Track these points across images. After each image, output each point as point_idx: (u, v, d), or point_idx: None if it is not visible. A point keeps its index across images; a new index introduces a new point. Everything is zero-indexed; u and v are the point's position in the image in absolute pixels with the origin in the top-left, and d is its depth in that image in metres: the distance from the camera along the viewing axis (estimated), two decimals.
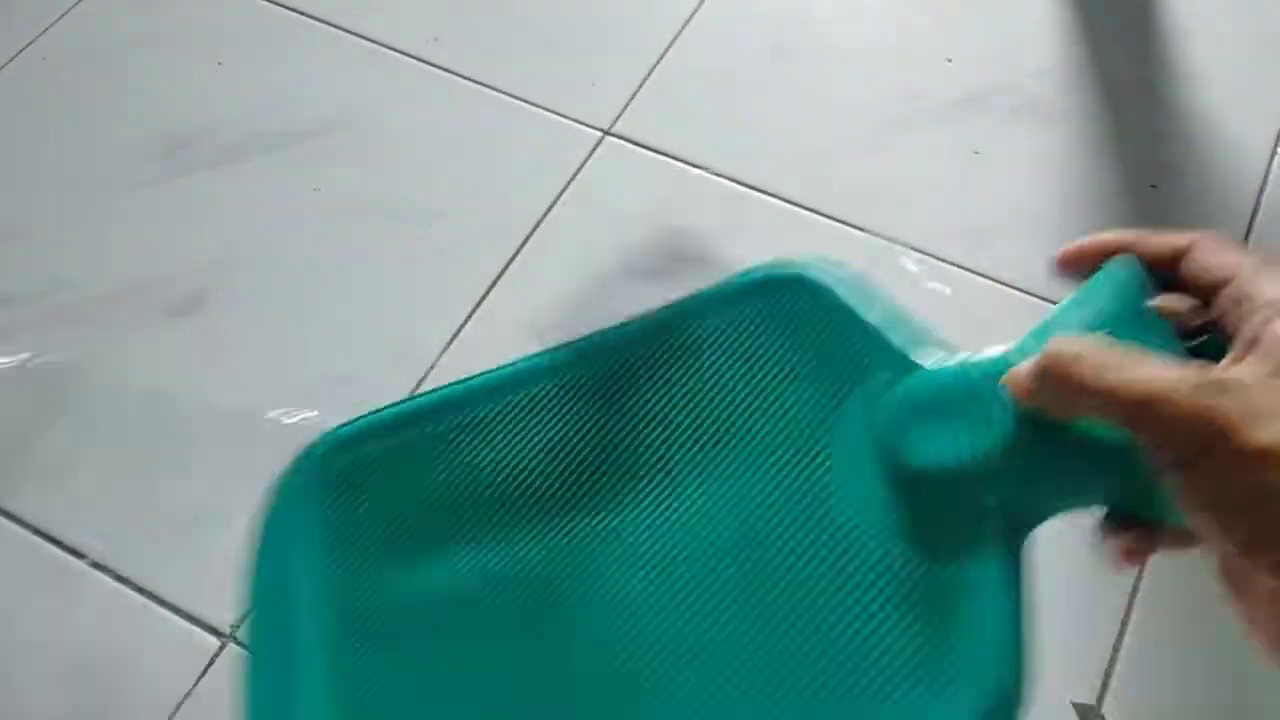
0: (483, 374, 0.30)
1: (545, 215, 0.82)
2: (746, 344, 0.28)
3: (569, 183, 0.83)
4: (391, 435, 0.30)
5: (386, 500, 0.30)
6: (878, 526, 0.26)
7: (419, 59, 0.91)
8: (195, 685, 0.63)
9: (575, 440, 0.28)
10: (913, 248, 0.80)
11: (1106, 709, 0.63)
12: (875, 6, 0.94)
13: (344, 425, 0.30)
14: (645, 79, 0.89)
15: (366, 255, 0.80)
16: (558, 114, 0.87)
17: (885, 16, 0.93)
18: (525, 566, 0.28)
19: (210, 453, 0.72)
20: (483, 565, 0.28)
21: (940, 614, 0.25)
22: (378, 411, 0.31)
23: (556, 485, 0.28)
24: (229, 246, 0.81)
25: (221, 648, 0.65)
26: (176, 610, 0.66)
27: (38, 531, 0.69)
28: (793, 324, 0.27)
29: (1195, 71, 0.89)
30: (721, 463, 0.27)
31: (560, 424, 0.28)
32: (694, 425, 0.27)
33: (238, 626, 0.65)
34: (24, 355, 0.75)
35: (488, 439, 0.29)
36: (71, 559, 0.68)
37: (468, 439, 0.29)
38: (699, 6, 0.94)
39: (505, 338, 0.76)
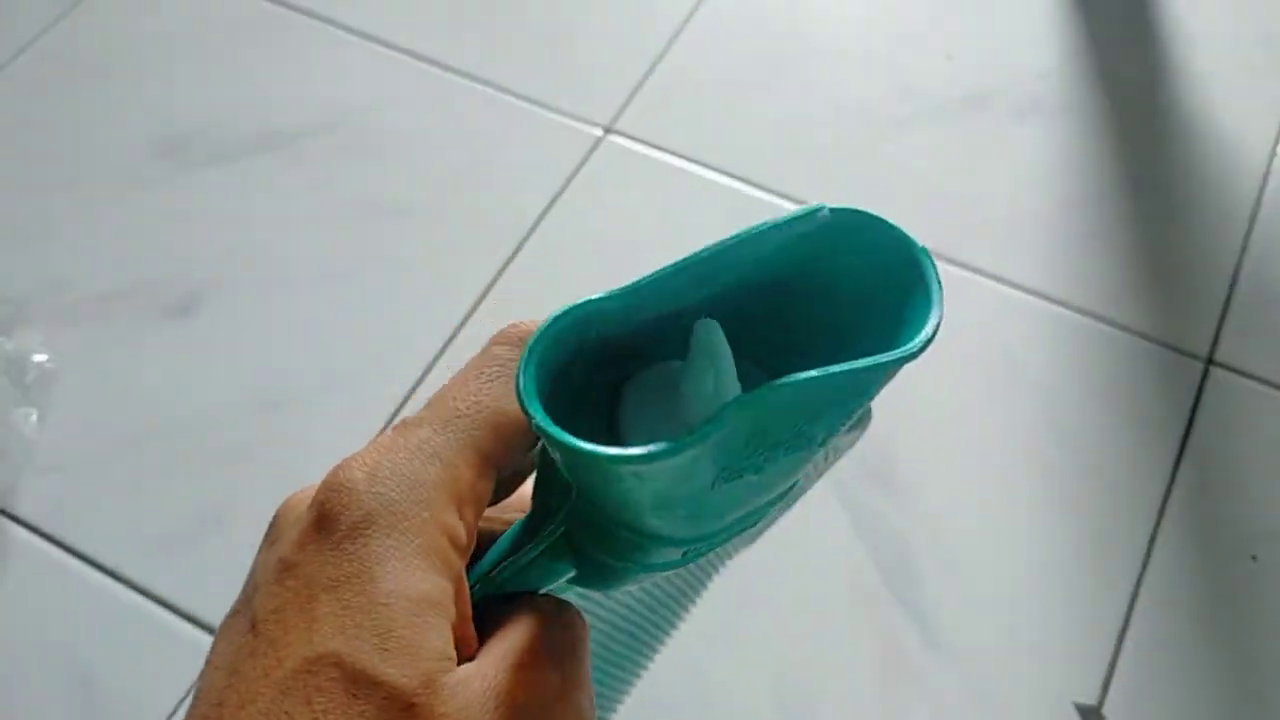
0: None
1: (545, 214, 0.82)
2: None
3: (569, 182, 0.83)
4: None
5: None
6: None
7: (419, 58, 0.91)
8: (194, 686, 0.63)
9: None
10: None
11: (1108, 710, 0.63)
12: (875, 6, 0.94)
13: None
14: (645, 78, 0.89)
15: (366, 255, 0.80)
16: (558, 113, 0.87)
17: (885, 16, 0.93)
18: None
19: (210, 452, 0.72)
20: None
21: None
22: None
23: None
24: (227, 246, 0.81)
25: None
26: (176, 610, 0.66)
27: (37, 531, 0.69)
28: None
29: (1195, 71, 0.89)
30: None
31: None
32: None
33: None
34: (23, 355, 0.75)
35: None
36: (70, 559, 0.68)
37: None
38: (699, 5, 0.94)
39: None
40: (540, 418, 0.19)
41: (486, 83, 0.89)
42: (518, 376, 0.19)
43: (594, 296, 0.20)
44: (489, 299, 0.78)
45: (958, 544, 0.68)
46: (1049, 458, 0.71)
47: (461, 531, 0.21)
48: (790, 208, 0.82)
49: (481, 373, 0.22)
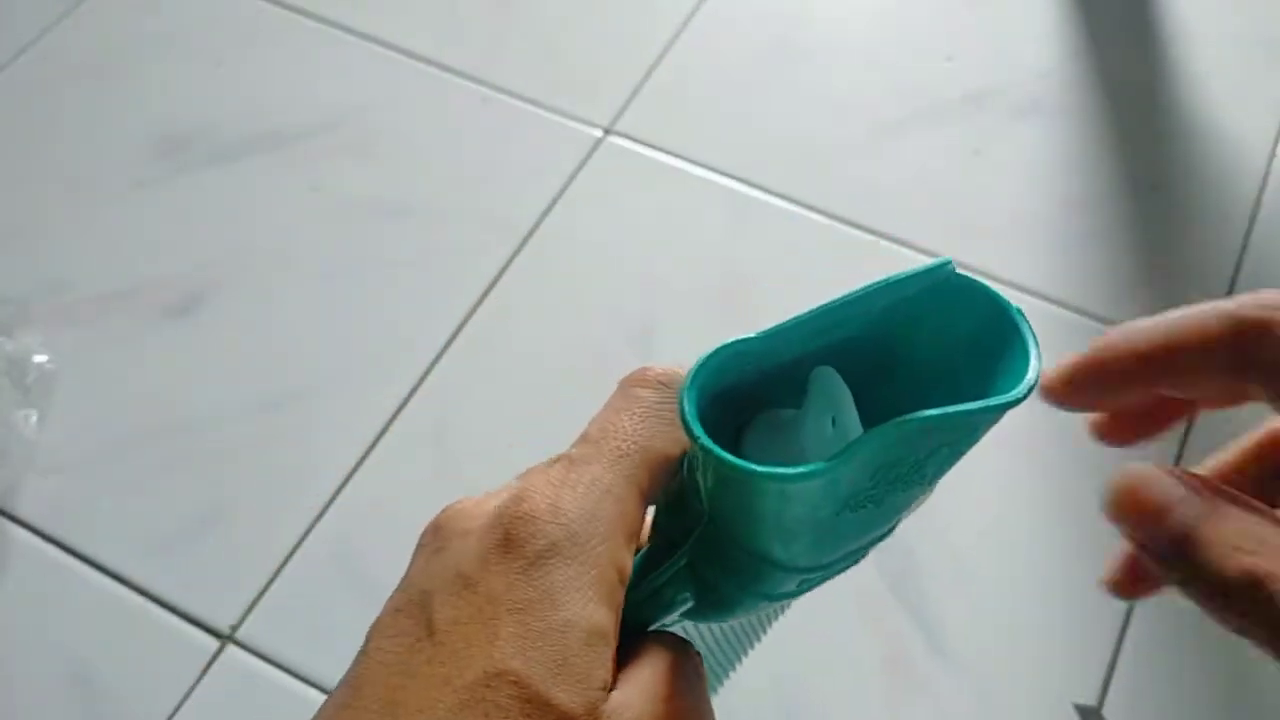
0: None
1: (545, 214, 0.82)
2: None
3: (569, 183, 0.83)
4: None
5: None
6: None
7: (419, 58, 0.91)
8: (194, 686, 0.63)
9: None
10: (913, 247, 0.80)
11: (1108, 710, 0.63)
12: (875, 5, 0.94)
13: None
14: (645, 78, 0.89)
15: (366, 255, 0.80)
16: (558, 113, 0.87)
17: (885, 16, 0.93)
18: None
19: (210, 452, 0.72)
20: None
21: None
22: None
23: None
24: (228, 246, 0.81)
25: (221, 648, 0.65)
26: (176, 610, 0.66)
27: (37, 531, 0.69)
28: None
29: (1195, 71, 0.89)
30: None
31: None
32: None
33: (237, 627, 0.65)
34: (23, 355, 0.75)
35: None
36: (69, 558, 0.68)
37: None
38: (699, 5, 0.94)
39: (505, 338, 0.76)
40: (704, 437, 0.21)
41: (486, 83, 0.89)
42: (681, 402, 0.21)
43: (742, 336, 0.22)
44: (489, 299, 0.78)
45: (960, 547, 0.68)
46: (1049, 458, 0.71)
47: (629, 566, 0.23)
48: (790, 209, 0.82)
49: (633, 413, 0.24)
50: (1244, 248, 0.80)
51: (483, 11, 0.94)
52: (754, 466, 0.20)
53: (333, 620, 0.65)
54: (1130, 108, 0.87)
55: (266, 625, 0.65)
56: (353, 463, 0.71)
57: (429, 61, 0.91)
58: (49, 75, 0.91)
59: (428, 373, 0.75)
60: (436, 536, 0.24)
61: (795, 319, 0.22)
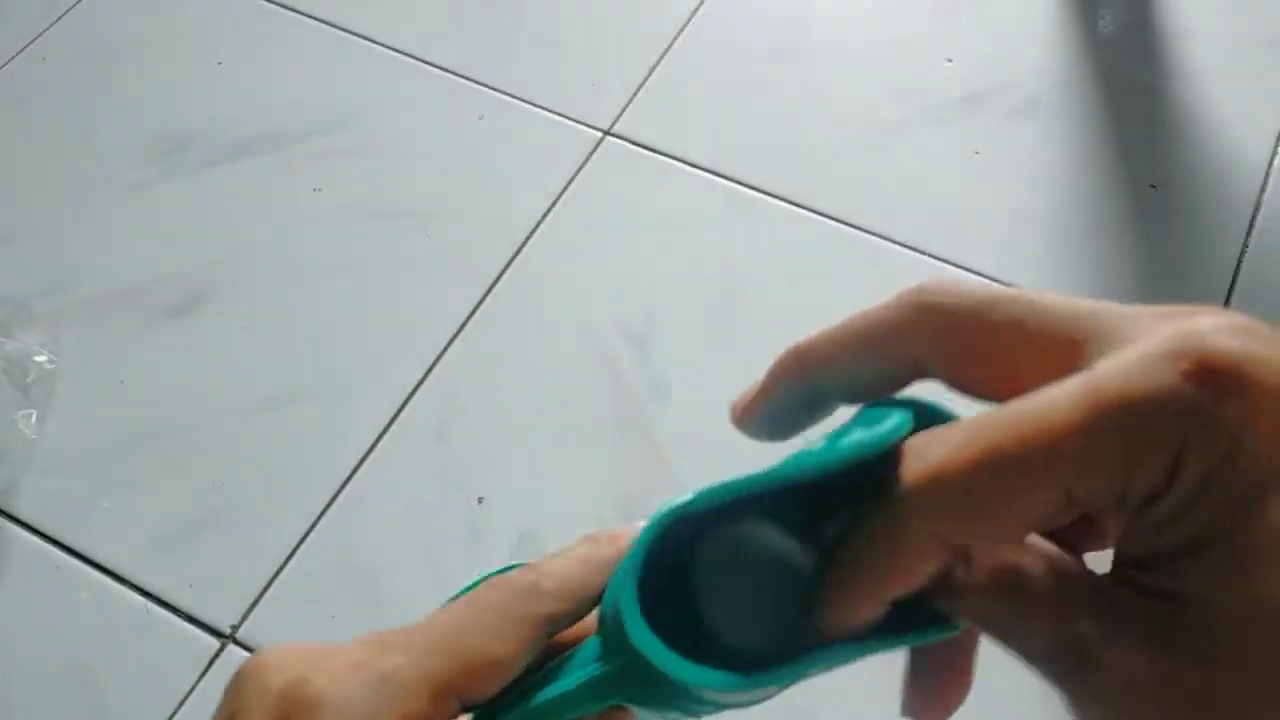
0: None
1: (545, 215, 0.82)
2: None
3: (569, 183, 0.83)
4: None
5: None
6: None
7: (419, 59, 0.91)
8: (195, 686, 0.63)
9: None
10: (913, 248, 0.80)
11: None
12: (875, 6, 0.94)
13: None
14: (645, 79, 0.89)
15: (366, 255, 0.80)
16: (558, 114, 0.87)
17: (885, 17, 0.93)
18: None
19: (210, 453, 0.72)
20: None
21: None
22: None
23: None
24: (229, 246, 0.81)
25: (221, 648, 0.65)
26: (176, 610, 0.66)
27: (37, 531, 0.69)
28: None
29: (1195, 71, 0.89)
30: None
31: None
32: None
33: (238, 626, 0.65)
34: (23, 355, 0.75)
35: None
36: (71, 559, 0.68)
37: None
38: (699, 6, 0.94)
39: (504, 339, 0.76)
40: (666, 655, 0.20)
41: (487, 85, 0.89)
42: (625, 615, 0.20)
43: (681, 501, 0.20)
44: (489, 299, 0.78)
45: None
46: None
47: None
48: (789, 208, 0.82)
49: (457, 610, 0.22)
50: (1244, 247, 0.80)
51: (483, 13, 0.94)
52: (698, 680, 0.20)
53: (333, 620, 0.65)
54: (1130, 107, 0.87)
55: (267, 625, 0.65)
56: (353, 463, 0.71)
57: (429, 62, 0.91)
58: (48, 75, 0.91)
59: (428, 372, 0.75)
60: (234, 698, 0.23)
61: (735, 483, 0.20)
